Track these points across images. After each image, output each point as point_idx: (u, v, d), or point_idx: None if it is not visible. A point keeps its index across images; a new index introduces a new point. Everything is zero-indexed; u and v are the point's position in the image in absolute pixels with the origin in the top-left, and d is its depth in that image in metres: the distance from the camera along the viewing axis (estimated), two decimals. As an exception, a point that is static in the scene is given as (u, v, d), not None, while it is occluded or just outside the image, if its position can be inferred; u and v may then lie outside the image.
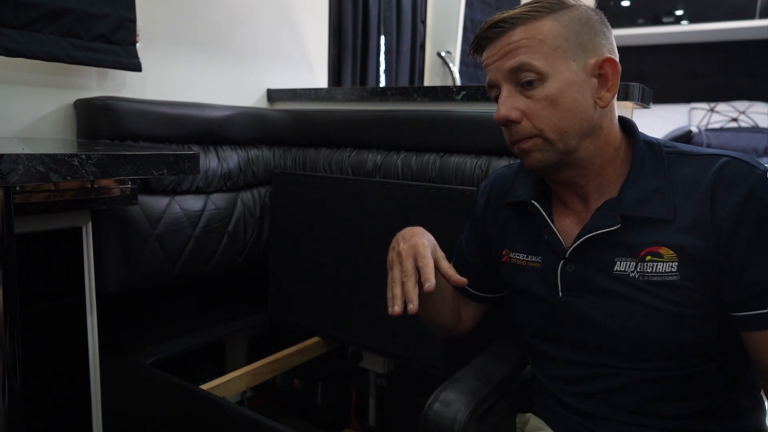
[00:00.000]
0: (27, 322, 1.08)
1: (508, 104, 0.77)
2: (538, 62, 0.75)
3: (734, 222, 0.70)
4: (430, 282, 0.78)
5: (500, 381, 0.93)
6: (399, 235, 0.88)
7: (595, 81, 0.77)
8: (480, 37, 0.80)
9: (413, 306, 0.77)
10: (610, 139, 0.79)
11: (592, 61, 0.76)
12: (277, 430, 1.02)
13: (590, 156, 0.78)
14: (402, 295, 0.79)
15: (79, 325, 1.21)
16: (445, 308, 0.99)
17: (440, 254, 0.85)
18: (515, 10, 0.77)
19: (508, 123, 0.78)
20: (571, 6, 0.77)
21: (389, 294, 0.80)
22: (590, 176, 0.80)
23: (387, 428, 1.65)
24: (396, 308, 0.78)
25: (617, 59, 0.78)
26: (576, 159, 0.78)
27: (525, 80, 0.76)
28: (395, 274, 0.82)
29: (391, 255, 0.85)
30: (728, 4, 3.20)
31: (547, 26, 0.76)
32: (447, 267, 0.84)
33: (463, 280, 0.84)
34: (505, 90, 0.78)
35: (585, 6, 0.79)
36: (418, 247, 0.82)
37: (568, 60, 0.76)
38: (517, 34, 0.76)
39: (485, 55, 0.80)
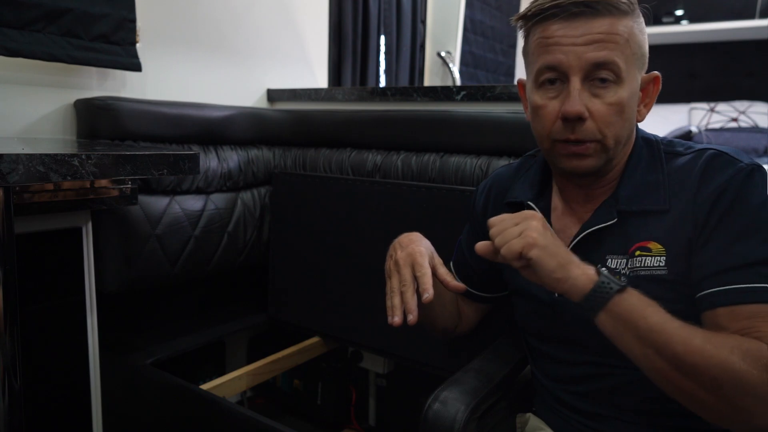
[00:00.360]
0: (27, 322, 1.08)
1: (582, 99, 0.71)
2: (623, 63, 0.70)
3: (707, 210, 0.70)
4: (428, 293, 0.77)
5: (500, 381, 0.93)
6: (396, 242, 0.87)
7: (640, 94, 0.76)
8: (559, 7, 0.70)
9: (413, 317, 0.76)
10: (629, 150, 0.80)
11: (645, 75, 0.76)
12: (277, 430, 1.02)
13: (615, 165, 0.78)
14: (401, 306, 0.78)
15: (79, 325, 1.21)
16: (444, 312, 0.99)
17: (438, 261, 0.83)
18: None
19: (576, 120, 0.72)
20: (639, 12, 0.74)
21: (388, 303, 0.79)
22: (603, 180, 0.80)
23: (387, 428, 1.65)
24: (396, 319, 0.77)
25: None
26: (609, 167, 0.78)
27: (600, 77, 0.71)
28: (393, 284, 0.80)
29: (389, 263, 0.84)
30: (728, 4, 3.20)
31: (630, 26, 0.72)
32: (445, 274, 0.82)
33: (461, 286, 0.82)
34: (577, 82, 0.71)
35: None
36: (416, 255, 0.80)
37: (636, 69, 0.74)
38: (608, 25, 0.70)
39: (558, 30, 0.71)
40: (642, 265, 0.74)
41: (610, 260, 0.77)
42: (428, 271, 0.79)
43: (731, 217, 0.69)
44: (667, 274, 0.73)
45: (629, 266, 0.75)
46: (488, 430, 0.90)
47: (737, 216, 0.69)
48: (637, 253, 0.75)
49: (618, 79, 0.71)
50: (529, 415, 0.93)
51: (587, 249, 0.79)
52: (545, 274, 0.69)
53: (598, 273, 0.68)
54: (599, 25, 0.70)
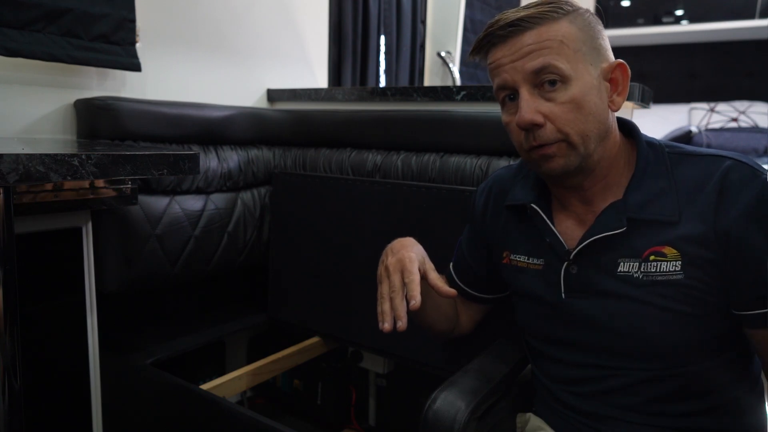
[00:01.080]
0: (27, 322, 1.08)
1: (532, 107, 0.74)
2: (562, 64, 0.73)
3: (744, 227, 0.71)
4: (415, 300, 0.78)
5: (500, 381, 0.93)
6: (388, 247, 0.88)
7: (607, 85, 0.77)
8: (492, 35, 0.76)
9: (402, 324, 0.77)
10: (615, 142, 0.80)
11: (605, 65, 0.77)
12: (277, 430, 1.02)
13: (600, 160, 0.78)
14: (391, 312, 0.79)
15: (79, 325, 1.21)
16: (439, 316, 0.99)
17: (429, 266, 0.85)
18: (529, 11, 0.75)
19: (532, 127, 0.75)
20: (578, 9, 0.77)
21: (379, 309, 0.80)
22: (596, 179, 0.80)
23: (387, 428, 1.65)
24: (386, 325, 0.78)
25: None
26: (591, 163, 0.78)
27: (547, 81, 0.74)
28: (383, 290, 0.82)
29: (380, 269, 0.85)
30: (728, 4, 3.20)
31: (565, 28, 0.74)
32: (435, 279, 0.83)
33: (451, 291, 0.83)
34: (525, 92, 0.75)
35: (587, 10, 0.79)
36: (405, 261, 0.81)
37: (587, 64, 0.75)
38: (538, 35, 0.74)
39: (497, 54, 0.77)
40: (658, 270, 0.74)
41: (622, 263, 0.77)
42: (416, 278, 0.80)
43: None
44: (684, 279, 0.73)
45: (643, 270, 0.75)
46: (488, 430, 0.90)
47: None
48: (652, 257, 0.75)
49: (564, 78, 0.74)
50: (530, 415, 0.93)
51: (596, 252, 0.78)
52: None
53: None
54: (528, 38, 0.74)
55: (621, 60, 0.78)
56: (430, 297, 0.91)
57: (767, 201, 0.70)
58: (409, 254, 0.83)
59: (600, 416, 0.81)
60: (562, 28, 0.74)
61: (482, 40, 0.78)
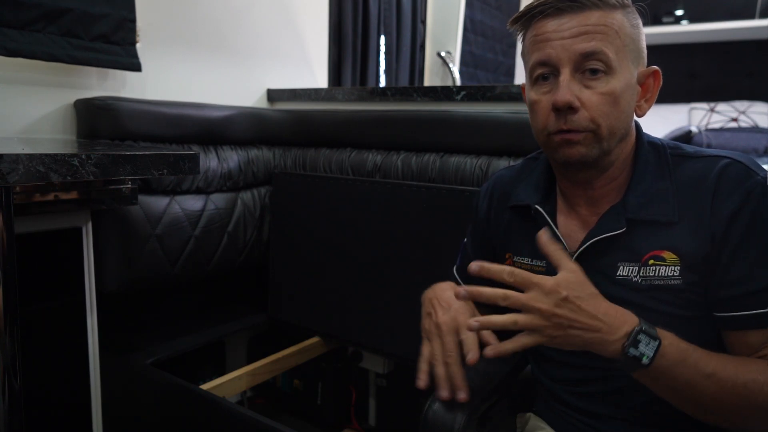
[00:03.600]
0: (27, 322, 1.08)
1: (571, 89, 0.72)
2: (612, 54, 0.71)
3: (726, 226, 0.71)
4: (473, 353, 0.76)
5: (500, 381, 0.93)
6: (433, 297, 0.86)
7: (639, 89, 0.76)
8: (547, 4, 0.73)
9: (464, 395, 0.76)
10: (631, 146, 0.80)
11: (642, 69, 0.76)
12: (277, 430, 1.02)
13: (615, 160, 0.78)
14: (447, 379, 0.77)
15: (79, 325, 1.21)
16: None
17: (476, 312, 0.84)
18: None
19: (567, 110, 0.72)
20: (632, 6, 0.75)
21: (423, 366, 0.78)
22: (606, 179, 0.79)
23: (387, 428, 1.65)
24: (444, 393, 0.76)
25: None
26: (607, 162, 0.77)
27: (591, 68, 0.71)
28: (436, 351, 0.79)
29: (428, 322, 0.83)
30: (728, 4, 3.20)
31: (620, 20, 0.73)
32: (489, 335, 0.79)
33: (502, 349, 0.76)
34: (566, 73, 0.72)
35: (637, 9, 0.77)
36: (459, 319, 0.80)
37: (629, 61, 0.74)
38: (596, 17, 0.71)
39: (548, 26, 0.73)
40: (656, 274, 0.74)
41: (621, 267, 0.76)
42: (473, 335, 0.79)
43: (756, 235, 0.70)
44: (681, 284, 0.73)
45: (641, 274, 0.75)
46: (488, 430, 0.90)
47: (762, 234, 0.70)
48: (651, 262, 0.74)
49: (609, 69, 0.72)
50: (530, 415, 0.93)
51: (596, 255, 0.78)
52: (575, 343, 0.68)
53: (626, 346, 0.67)
54: (586, 18, 0.71)
55: (657, 68, 0.77)
56: None
57: (755, 201, 0.70)
58: (461, 308, 0.82)
59: (600, 416, 0.81)
60: (619, 17, 0.73)
61: (534, 8, 0.74)
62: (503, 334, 0.73)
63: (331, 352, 1.61)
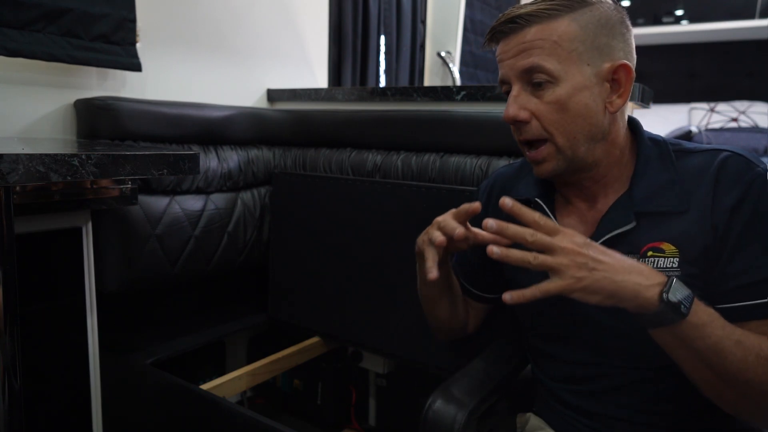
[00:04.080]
0: (27, 322, 1.08)
1: (518, 103, 0.77)
2: (550, 65, 0.74)
3: (728, 218, 0.71)
4: (459, 230, 0.77)
5: (500, 381, 0.93)
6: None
7: (607, 86, 0.76)
8: (495, 30, 0.78)
9: (460, 230, 0.76)
10: (618, 142, 0.79)
11: (606, 65, 0.76)
12: (277, 430, 1.02)
13: (598, 160, 0.78)
14: (434, 260, 0.78)
15: (79, 325, 1.21)
16: (457, 311, 1.00)
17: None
18: (533, 6, 0.75)
19: (517, 123, 0.78)
20: (592, 4, 0.75)
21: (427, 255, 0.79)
22: (597, 178, 0.80)
23: (387, 428, 1.65)
24: (433, 271, 0.77)
25: (633, 63, 0.77)
26: (584, 164, 0.78)
27: (535, 81, 0.75)
28: (424, 240, 0.81)
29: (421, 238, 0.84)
30: (728, 4, 3.21)
31: (563, 27, 0.74)
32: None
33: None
34: (515, 89, 0.77)
35: (607, 4, 0.77)
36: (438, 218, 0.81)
37: (582, 64, 0.75)
38: (532, 33, 0.75)
39: (499, 49, 0.79)
40: (654, 266, 0.74)
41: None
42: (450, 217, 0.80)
43: (757, 227, 0.70)
44: (679, 276, 0.73)
45: None
46: (488, 430, 0.90)
47: (763, 226, 0.70)
48: (650, 253, 0.75)
49: (553, 79, 0.74)
50: (530, 414, 0.93)
51: None
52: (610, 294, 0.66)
53: (665, 292, 0.64)
54: (523, 36, 0.75)
55: (624, 61, 0.76)
56: (453, 284, 0.94)
57: (755, 194, 0.71)
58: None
59: (600, 416, 0.81)
60: (560, 26, 0.74)
61: (488, 33, 0.80)
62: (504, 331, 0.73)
63: (331, 352, 1.61)
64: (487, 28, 0.80)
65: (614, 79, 0.76)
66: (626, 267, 0.65)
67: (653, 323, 0.67)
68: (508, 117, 0.78)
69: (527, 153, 0.80)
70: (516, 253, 0.67)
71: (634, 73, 0.77)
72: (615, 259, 0.66)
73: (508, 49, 0.77)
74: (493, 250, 0.68)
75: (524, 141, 0.79)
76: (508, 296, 0.68)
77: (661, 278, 0.65)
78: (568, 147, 0.76)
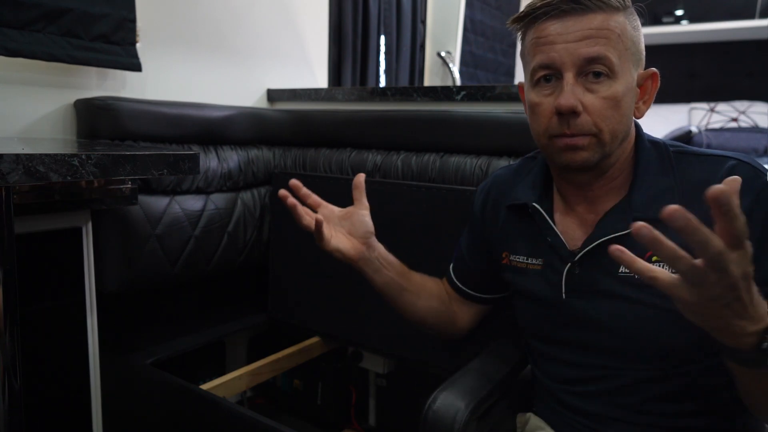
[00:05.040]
0: (27, 322, 1.08)
1: (575, 93, 0.72)
2: (615, 58, 0.71)
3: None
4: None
5: (500, 381, 0.93)
6: None
7: (637, 90, 0.76)
8: (550, 6, 0.72)
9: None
10: (630, 147, 0.80)
11: (641, 71, 0.76)
12: (277, 430, 1.02)
13: (614, 163, 0.78)
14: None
15: (79, 325, 1.21)
16: (430, 308, 1.01)
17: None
18: None
19: (570, 114, 0.72)
20: (632, 8, 0.75)
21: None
22: (605, 181, 0.79)
23: (387, 428, 1.65)
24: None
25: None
26: (606, 164, 0.77)
27: (594, 71, 0.71)
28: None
29: None
30: (728, 4, 3.20)
31: (623, 22, 0.72)
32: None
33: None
34: (570, 77, 0.72)
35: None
36: None
37: (631, 64, 0.74)
38: (599, 21, 0.71)
39: (551, 29, 0.72)
40: None
41: (623, 266, 0.76)
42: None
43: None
44: None
45: None
46: (488, 430, 0.90)
47: None
48: (654, 258, 0.74)
49: (612, 74, 0.72)
50: (530, 415, 0.93)
51: (599, 253, 0.78)
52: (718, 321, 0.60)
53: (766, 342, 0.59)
54: (590, 21, 0.71)
55: (656, 70, 0.77)
56: (414, 286, 0.97)
57: (765, 202, 0.70)
58: None
59: (600, 416, 0.81)
60: (622, 20, 0.72)
61: (537, 8, 0.73)
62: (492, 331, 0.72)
63: (331, 352, 1.61)
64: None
65: (642, 86, 0.77)
66: (750, 311, 0.58)
67: (737, 360, 0.63)
68: (567, 106, 0.71)
69: (562, 141, 0.73)
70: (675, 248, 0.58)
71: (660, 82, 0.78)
72: (750, 298, 0.58)
73: (569, 32, 0.71)
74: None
75: (569, 134, 0.73)
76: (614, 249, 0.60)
77: (765, 322, 0.59)
78: (609, 143, 0.74)
